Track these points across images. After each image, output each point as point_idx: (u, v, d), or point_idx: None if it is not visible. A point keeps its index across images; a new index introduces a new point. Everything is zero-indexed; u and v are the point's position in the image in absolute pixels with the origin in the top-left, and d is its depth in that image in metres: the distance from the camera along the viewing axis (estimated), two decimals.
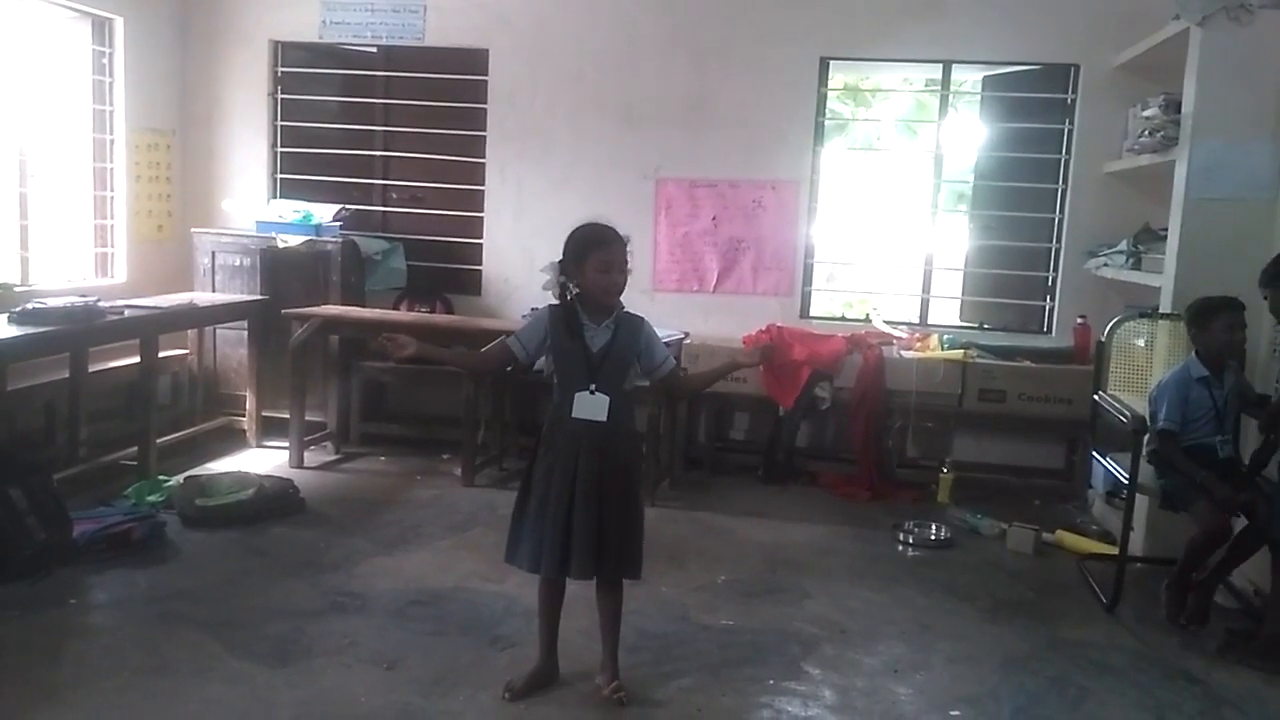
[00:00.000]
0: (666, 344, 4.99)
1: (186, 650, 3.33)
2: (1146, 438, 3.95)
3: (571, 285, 2.99)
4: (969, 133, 6.51)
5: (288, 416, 5.60)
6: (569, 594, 3.18)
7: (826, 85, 6.07)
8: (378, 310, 5.98)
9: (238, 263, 6.05)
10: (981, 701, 3.27)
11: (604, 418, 2.99)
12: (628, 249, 3.01)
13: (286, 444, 5.60)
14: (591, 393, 2.99)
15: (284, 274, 5.99)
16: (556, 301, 3.05)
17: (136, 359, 5.17)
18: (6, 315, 4.51)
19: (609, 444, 3.02)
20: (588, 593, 3.16)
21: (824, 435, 6.06)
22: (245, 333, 5.92)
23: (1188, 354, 4.03)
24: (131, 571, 3.96)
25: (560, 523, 3.00)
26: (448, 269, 6.41)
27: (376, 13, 6.25)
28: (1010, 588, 4.30)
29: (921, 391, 5.50)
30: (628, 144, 6.11)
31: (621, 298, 3.07)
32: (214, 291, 6.04)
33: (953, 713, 3.20)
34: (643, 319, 3.11)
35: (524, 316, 5.89)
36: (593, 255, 2.95)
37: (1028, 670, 3.50)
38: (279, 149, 6.53)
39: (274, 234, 5.99)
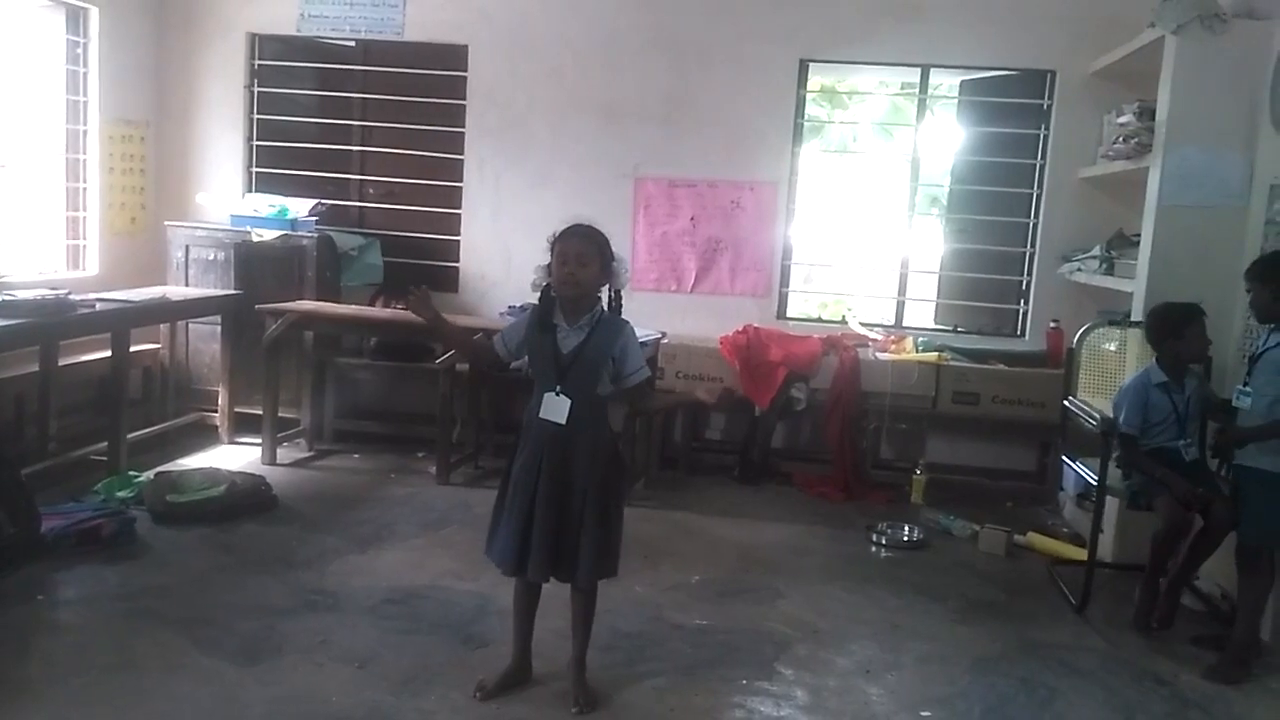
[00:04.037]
0: (644, 344, 5.03)
1: (156, 648, 3.30)
2: (1114, 441, 4.01)
3: (550, 284, 3.01)
4: (945, 137, 6.55)
5: (260, 413, 5.56)
6: (545, 593, 3.17)
7: (806, 87, 6.09)
8: (353, 306, 5.94)
9: (211, 257, 5.99)
10: (952, 702, 3.30)
11: (563, 421, 2.97)
12: (606, 246, 3.00)
13: (259, 440, 5.56)
14: (557, 394, 2.99)
15: (258, 269, 5.94)
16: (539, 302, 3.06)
17: (108, 353, 5.12)
18: None
19: (573, 447, 3.01)
20: (563, 592, 3.15)
21: (799, 436, 6.09)
22: (218, 328, 5.86)
23: (1153, 360, 4.08)
24: (101, 568, 3.92)
25: (521, 522, 3.00)
26: (424, 265, 6.36)
27: (355, 6, 6.21)
28: (981, 589, 4.34)
29: (896, 393, 5.53)
30: (607, 142, 6.11)
31: (610, 297, 3.07)
32: (187, 286, 5.98)
33: (923, 713, 3.22)
34: (625, 323, 3.09)
35: (501, 314, 5.87)
36: (554, 249, 2.99)
37: (998, 671, 3.53)
38: (255, 142, 6.47)
39: (249, 228, 5.93)
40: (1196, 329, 3.93)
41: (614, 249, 3.06)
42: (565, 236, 2.99)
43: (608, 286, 3.05)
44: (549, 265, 3.01)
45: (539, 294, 3.05)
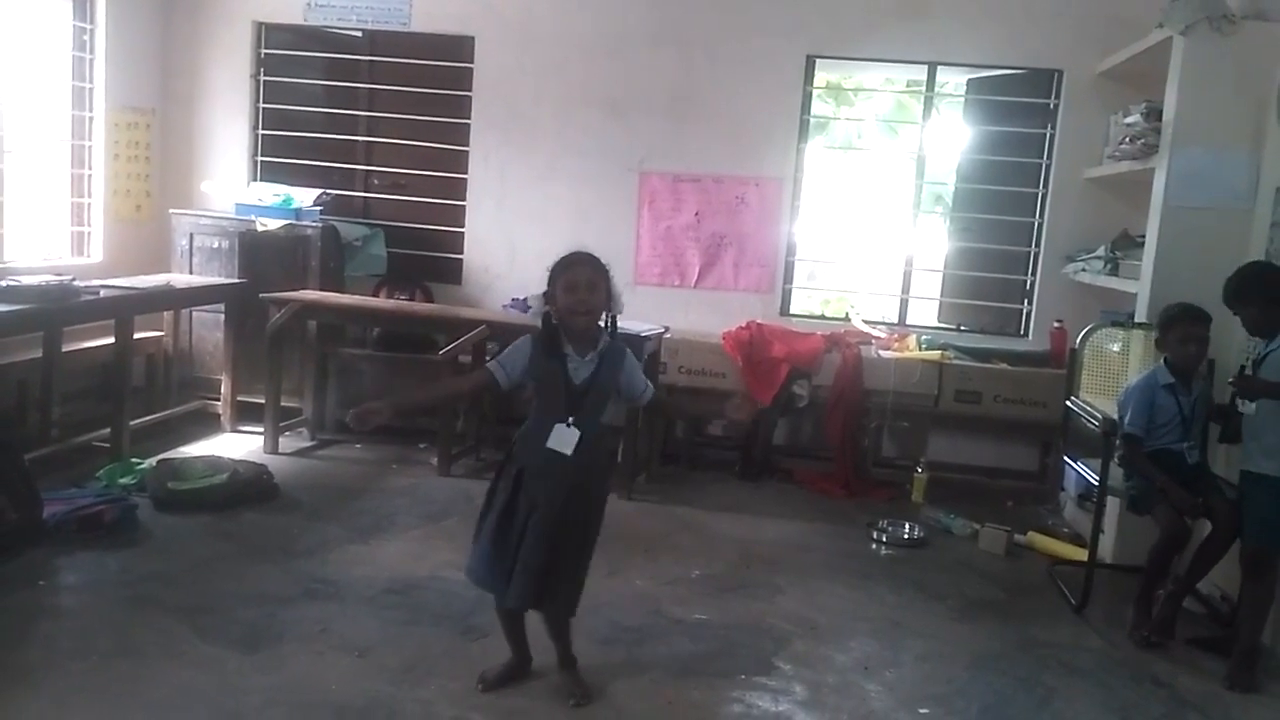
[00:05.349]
0: (647, 338, 5.05)
1: (156, 634, 3.31)
2: (1116, 440, 4.00)
3: (553, 313, 2.98)
4: (951, 135, 6.54)
5: (263, 401, 5.56)
6: None
7: (812, 83, 6.08)
8: (357, 296, 5.95)
9: (216, 245, 6.00)
10: (950, 699, 3.30)
11: (569, 452, 2.95)
12: (609, 273, 2.99)
13: (261, 429, 5.57)
14: (568, 425, 2.97)
15: (262, 258, 5.95)
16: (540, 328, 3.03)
17: (111, 340, 5.12)
18: None
19: (578, 477, 3.00)
20: None
21: (801, 433, 6.09)
22: (222, 316, 5.87)
23: (1157, 361, 4.07)
24: (102, 554, 3.93)
25: (530, 550, 2.96)
26: (428, 257, 6.38)
27: None
28: (981, 588, 4.34)
29: (898, 391, 5.53)
30: (612, 136, 6.10)
31: (608, 324, 3.05)
32: (191, 274, 5.99)
33: (921, 710, 3.22)
34: (625, 349, 3.11)
35: (505, 306, 5.88)
36: (561, 278, 2.95)
37: (996, 669, 3.53)
38: (260, 131, 6.48)
39: (253, 217, 5.94)
40: (1177, 333, 3.90)
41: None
42: (573, 265, 2.96)
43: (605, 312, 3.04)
44: (546, 294, 2.98)
45: (541, 321, 3.02)
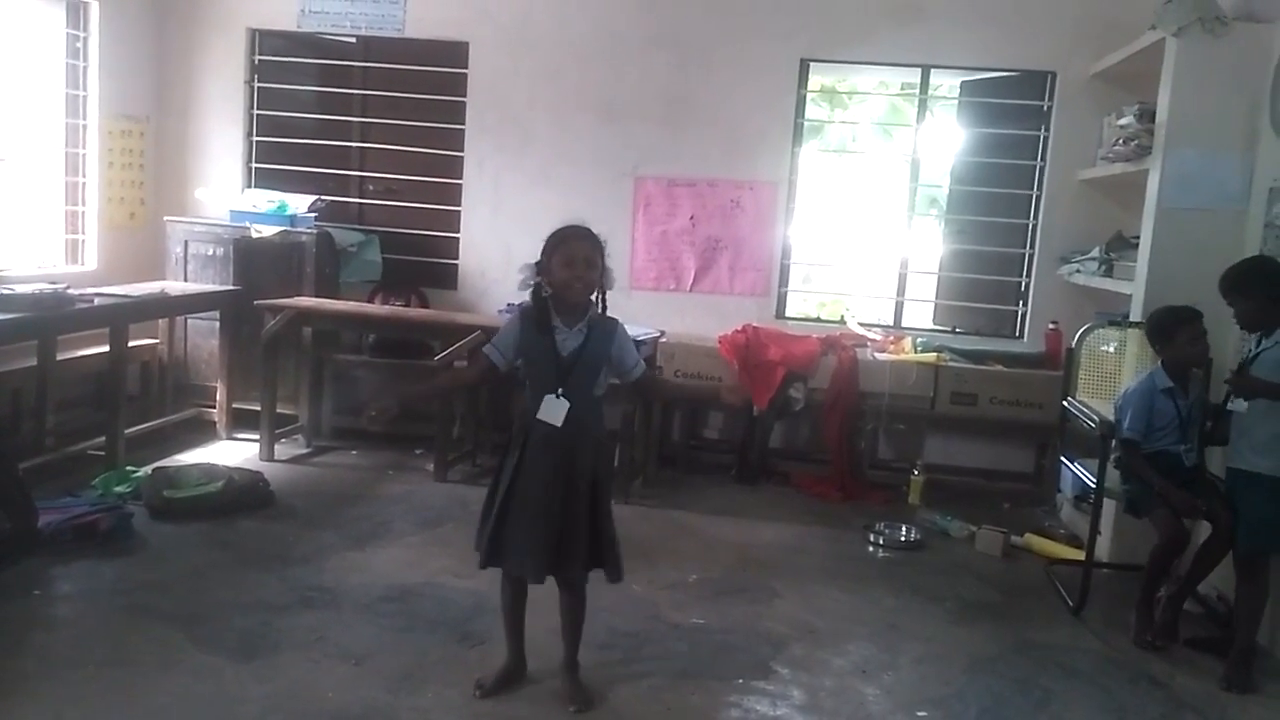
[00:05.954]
0: (642, 343, 5.05)
1: (152, 643, 3.30)
2: (1113, 443, 4.00)
3: (545, 285, 2.97)
4: (945, 137, 6.55)
5: (258, 409, 5.55)
6: (541, 593, 3.15)
7: (806, 86, 6.09)
8: (352, 303, 5.94)
9: (210, 252, 5.99)
10: (948, 702, 3.30)
11: (559, 423, 2.96)
12: (604, 249, 2.99)
13: (257, 436, 5.56)
14: (557, 396, 2.97)
15: (257, 264, 5.94)
16: (530, 302, 3.03)
17: (106, 348, 5.11)
18: None
19: (575, 448, 2.99)
20: (556, 590, 3.14)
21: (797, 436, 6.09)
22: (217, 323, 5.85)
23: (1154, 363, 4.07)
24: (97, 563, 3.92)
25: (537, 525, 2.98)
26: (424, 262, 6.38)
27: (356, 2, 6.20)
28: (978, 590, 4.34)
29: (894, 394, 5.53)
30: (607, 141, 6.10)
31: (598, 298, 3.04)
32: (186, 281, 5.98)
33: (919, 713, 3.22)
34: (617, 321, 3.10)
35: (500, 312, 5.88)
36: (557, 252, 2.95)
37: (994, 672, 3.53)
38: (254, 138, 6.47)
39: (248, 224, 5.93)
40: (1186, 334, 3.90)
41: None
42: (572, 239, 2.95)
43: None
44: (539, 265, 2.98)
45: (530, 294, 3.02)
